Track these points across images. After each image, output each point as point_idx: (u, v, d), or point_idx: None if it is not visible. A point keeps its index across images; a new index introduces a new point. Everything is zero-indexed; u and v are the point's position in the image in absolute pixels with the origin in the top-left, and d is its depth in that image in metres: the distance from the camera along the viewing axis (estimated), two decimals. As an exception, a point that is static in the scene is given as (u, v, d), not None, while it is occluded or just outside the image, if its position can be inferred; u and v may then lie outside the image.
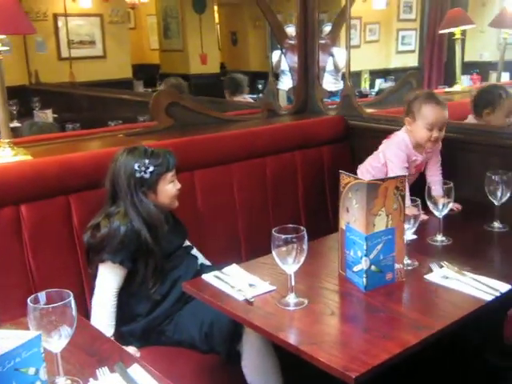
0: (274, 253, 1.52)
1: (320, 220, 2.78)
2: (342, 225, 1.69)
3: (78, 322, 1.22)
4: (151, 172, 1.93)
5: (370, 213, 1.57)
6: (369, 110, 3.09)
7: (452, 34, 4.46)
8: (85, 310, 1.97)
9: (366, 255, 1.59)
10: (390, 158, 2.37)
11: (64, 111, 5.39)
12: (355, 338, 1.44)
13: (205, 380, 1.90)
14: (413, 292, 1.68)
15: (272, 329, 1.46)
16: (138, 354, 1.84)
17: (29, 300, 1.17)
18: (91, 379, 1.25)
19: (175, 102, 2.75)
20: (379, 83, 6.45)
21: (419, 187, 2.11)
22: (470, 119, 2.85)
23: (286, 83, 4.56)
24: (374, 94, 6.04)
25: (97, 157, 2.18)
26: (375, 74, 6.74)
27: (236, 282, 1.68)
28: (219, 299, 1.62)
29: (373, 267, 1.61)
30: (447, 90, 4.63)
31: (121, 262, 1.89)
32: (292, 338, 1.44)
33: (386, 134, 2.49)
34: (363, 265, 1.60)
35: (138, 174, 1.92)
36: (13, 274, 1.93)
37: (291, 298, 1.56)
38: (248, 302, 1.57)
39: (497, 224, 2.11)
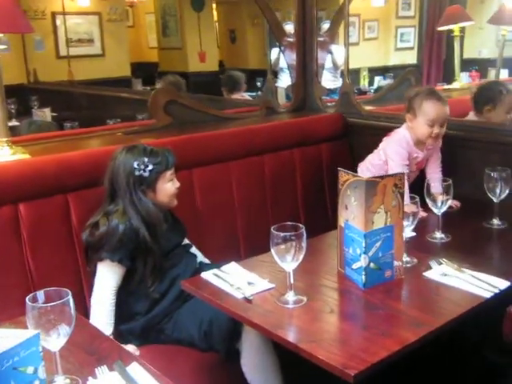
0: (272, 250, 1.52)
1: (319, 217, 2.77)
2: (341, 222, 1.68)
3: (77, 320, 1.22)
4: (150, 170, 1.92)
5: (368, 210, 1.57)
6: (367, 108, 3.08)
7: (451, 31, 4.46)
8: (83, 309, 1.97)
9: (364, 252, 1.59)
10: (391, 155, 2.37)
11: (62, 110, 5.38)
12: (354, 336, 1.44)
13: (204, 378, 1.90)
14: (412, 289, 1.68)
15: (271, 327, 1.46)
16: (137, 353, 1.84)
17: (27, 299, 1.17)
18: (90, 378, 1.24)
19: (173, 100, 2.74)
20: (378, 80, 6.45)
21: (419, 185, 2.11)
22: (471, 116, 2.85)
23: (284, 81, 4.56)
24: (372, 91, 6.04)
25: (95, 155, 2.18)
26: (374, 72, 6.75)
27: (235, 280, 1.68)
28: (218, 297, 1.62)
29: (372, 265, 1.61)
30: (446, 87, 4.64)
31: (119, 261, 1.89)
32: (291, 335, 1.44)
33: (385, 131, 2.49)
34: (362, 262, 1.60)
35: (137, 173, 1.91)
36: (11, 272, 1.93)
37: (290, 296, 1.56)
38: (247, 299, 1.57)
39: (496, 221, 2.11)
